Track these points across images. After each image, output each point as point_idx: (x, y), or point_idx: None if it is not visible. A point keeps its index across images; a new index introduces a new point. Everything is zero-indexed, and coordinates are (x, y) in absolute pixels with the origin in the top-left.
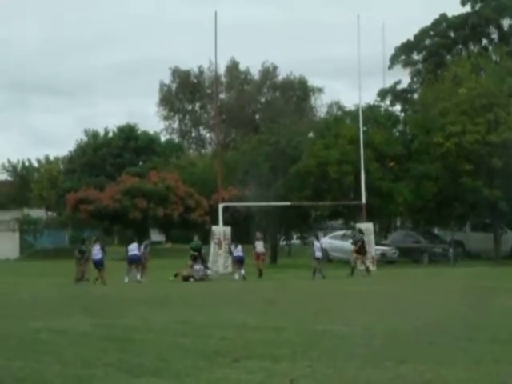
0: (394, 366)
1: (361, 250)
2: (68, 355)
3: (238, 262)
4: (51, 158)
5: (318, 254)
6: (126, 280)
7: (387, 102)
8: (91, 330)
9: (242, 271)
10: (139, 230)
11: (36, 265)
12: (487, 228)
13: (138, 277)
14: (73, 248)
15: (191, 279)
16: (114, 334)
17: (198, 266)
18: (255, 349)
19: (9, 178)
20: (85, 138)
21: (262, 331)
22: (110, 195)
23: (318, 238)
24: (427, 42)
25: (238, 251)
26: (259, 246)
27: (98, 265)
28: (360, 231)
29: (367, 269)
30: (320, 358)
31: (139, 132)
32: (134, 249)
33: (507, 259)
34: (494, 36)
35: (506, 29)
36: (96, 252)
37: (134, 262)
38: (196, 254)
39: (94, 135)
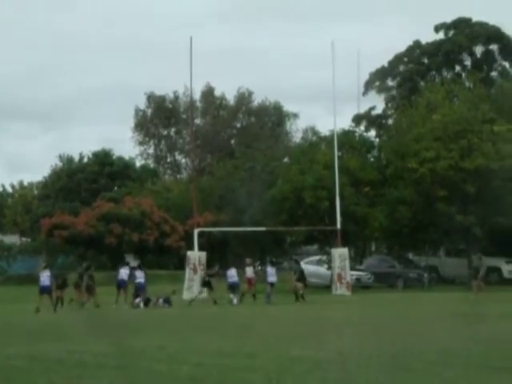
0: None
1: (300, 278)
2: (41, 382)
3: (232, 287)
4: (25, 183)
5: (272, 278)
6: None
7: (362, 127)
8: (64, 357)
9: (235, 298)
10: (114, 256)
11: (10, 291)
12: (461, 253)
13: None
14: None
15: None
16: (87, 361)
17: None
18: (230, 375)
19: None
20: (59, 164)
21: (237, 357)
22: (85, 220)
23: (272, 263)
24: (401, 68)
25: (233, 276)
26: (249, 271)
27: (45, 291)
28: (296, 262)
29: (302, 296)
30: (295, 383)
31: (114, 157)
32: (140, 276)
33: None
34: (467, 63)
35: (478, 56)
36: (44, 278)
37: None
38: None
39: (68, 160)
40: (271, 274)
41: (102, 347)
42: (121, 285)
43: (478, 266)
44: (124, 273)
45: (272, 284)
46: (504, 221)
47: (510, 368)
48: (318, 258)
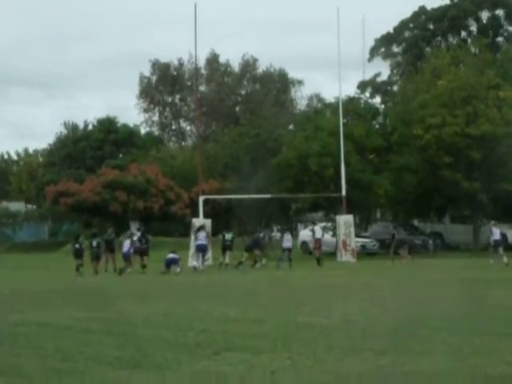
0: (373, 358)
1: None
2: (48, 348)
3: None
4: (30, 150)
5: (287, 244)
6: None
7: (367, 94)
8: (71, 323)
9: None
10: (119, 223)
11: (15, 258)
12: (466, 220)
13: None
14: (51, 240)
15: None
16: (94, 327)
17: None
18: (236, 341)
19: None
20: (64, 131)
21: (242, 323)
22: (90, 188)
23: (289, 230)
24: (407, 34)
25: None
26: (318, 232)
27: (126, 257)
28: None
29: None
30: (300, 349)
31: (119, 125)
32: (202, 238)
33: (486, 251)
34: (473, 28)
35: (484, 21)
36: (125, 245)
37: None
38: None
39: (73, 128)
40: (287, 239)
41: (109, 314)
42: (126, 256)
43: (395, 235)
44: (127, 244)
45: (287, 250)
46: (509, 187)
47: None
48: (323, 224)
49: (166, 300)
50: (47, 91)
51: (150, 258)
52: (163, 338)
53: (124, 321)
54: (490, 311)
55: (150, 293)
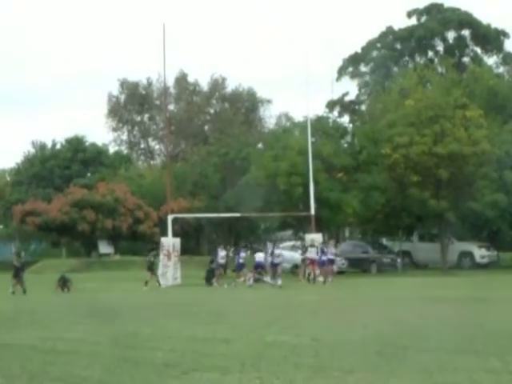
0: (342, 376)
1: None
2: (14, 369)
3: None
4: None
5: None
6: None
7: (335, 113)
8: (38, 344)
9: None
10: (88, 242)
11: None
12: (434, 238)
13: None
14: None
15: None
16: (60, 348)
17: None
18: (204, 361)
19: None
20: (32, 150)
21: (211, 343)
22: (58, 207)
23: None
24: (374, 53)
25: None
26: (312, 252)
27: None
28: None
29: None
30: (269, 369)
31: (87, 144)
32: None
33: (454, 269)
34: (440, 48)
35: (450, 41)
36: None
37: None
38: None
39: (41, 147)
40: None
41: (76, 334)
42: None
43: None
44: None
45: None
46: (476, 206)
47: (479, 351)
48: (292, 243)
49: (134, 319)
50: (15, 110)
51: (116, 277)
52: (131, 358)
53: (91, 341)
54: (456, 329)
55: (118, 312)
